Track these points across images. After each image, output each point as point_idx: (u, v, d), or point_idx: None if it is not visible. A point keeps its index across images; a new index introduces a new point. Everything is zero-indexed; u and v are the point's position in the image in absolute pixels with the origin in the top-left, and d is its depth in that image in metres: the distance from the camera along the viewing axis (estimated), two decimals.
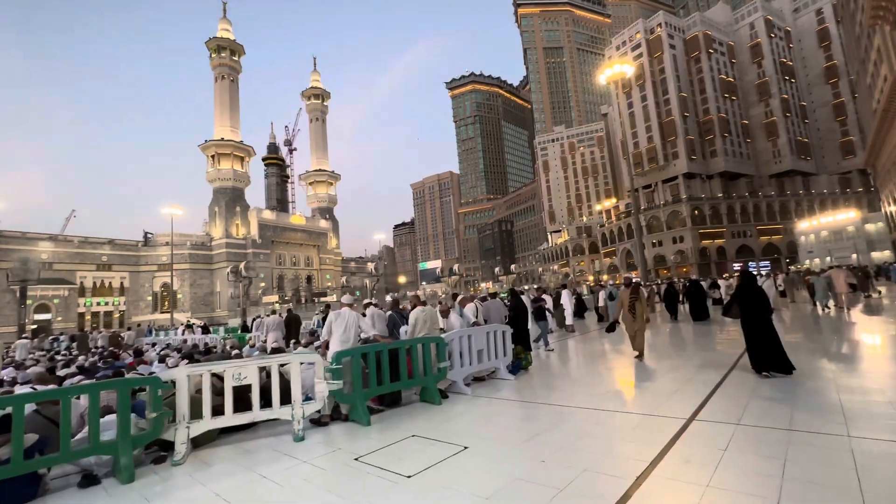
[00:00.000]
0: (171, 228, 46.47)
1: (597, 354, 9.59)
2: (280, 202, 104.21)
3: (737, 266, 62.35)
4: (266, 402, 4.86)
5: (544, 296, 12.59)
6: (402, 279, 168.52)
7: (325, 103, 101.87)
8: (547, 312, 10.74)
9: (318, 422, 5.28)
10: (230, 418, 4.68)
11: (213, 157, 76.18)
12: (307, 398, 5.12)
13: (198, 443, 4.74)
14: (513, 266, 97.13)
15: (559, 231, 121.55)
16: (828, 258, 51.08)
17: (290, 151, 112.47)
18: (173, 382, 4.53)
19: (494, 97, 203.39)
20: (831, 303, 14.74)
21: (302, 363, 5.06)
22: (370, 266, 76.03)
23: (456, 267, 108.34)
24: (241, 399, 4.89)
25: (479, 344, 6.95)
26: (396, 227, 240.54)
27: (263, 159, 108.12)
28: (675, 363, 7.64)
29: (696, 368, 6.85)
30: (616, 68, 28.70)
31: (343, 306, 5.90)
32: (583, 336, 12.86)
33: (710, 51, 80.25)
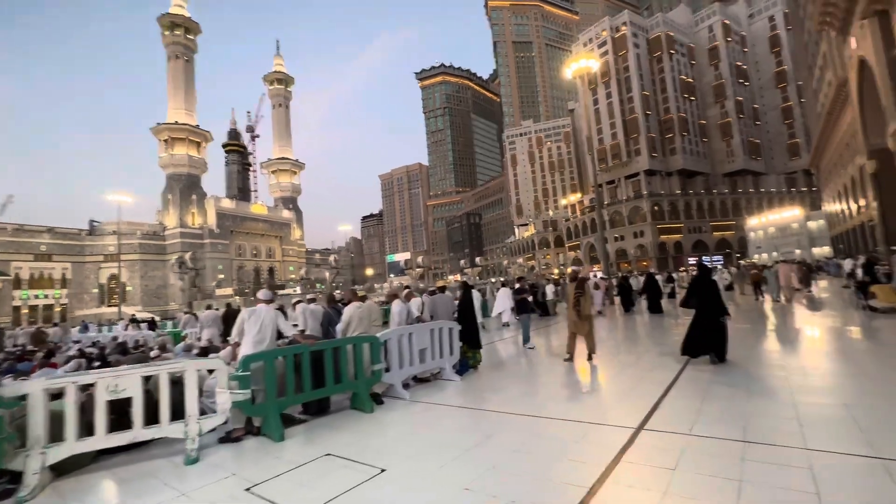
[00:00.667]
0: (118, 216, 43.45)
1: (552, 351, 9.21)
2: (242, 191, 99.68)
3: (692, 260, 64.92)
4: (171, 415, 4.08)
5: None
6: (369, 271, 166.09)
7: (288, 89, 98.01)
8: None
9: (228, 437, 4.53)
10: (102, 439, 3.86)
11: (166, 141, 71.67)
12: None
13: (65, 469, 3.90)
14: (478, 259, 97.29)
15: (526, 224, 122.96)
16: (774, 253, 53.91)
17: (253, 138, 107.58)
18: (29, 397, 3.67)
19: (464, 89, 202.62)
20: (782, 295, 15.18)
21: (201, 370, 4.29)
22: (332, 259, 73.96)
23: (420, 259, 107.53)
24: (128, 413, 4.09)
25: (421, 342, 6.35)
26: (364, 218, 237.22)
27: (224, 146, 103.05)
28: (629, 360, 7.34)
29: (650, 366, 6.54)
30: (582, 62, 28.77)
31: (259, 303, 5.12)
32: (538, 330, 12.54)
33: (672, 51, 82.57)
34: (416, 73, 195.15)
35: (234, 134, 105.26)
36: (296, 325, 6.98)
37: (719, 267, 33.85)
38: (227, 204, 77.53)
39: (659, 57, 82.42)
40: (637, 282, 19.20)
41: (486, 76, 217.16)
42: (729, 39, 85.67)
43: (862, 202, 28.42)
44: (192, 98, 75.43)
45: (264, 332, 4.86)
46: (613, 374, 6.44)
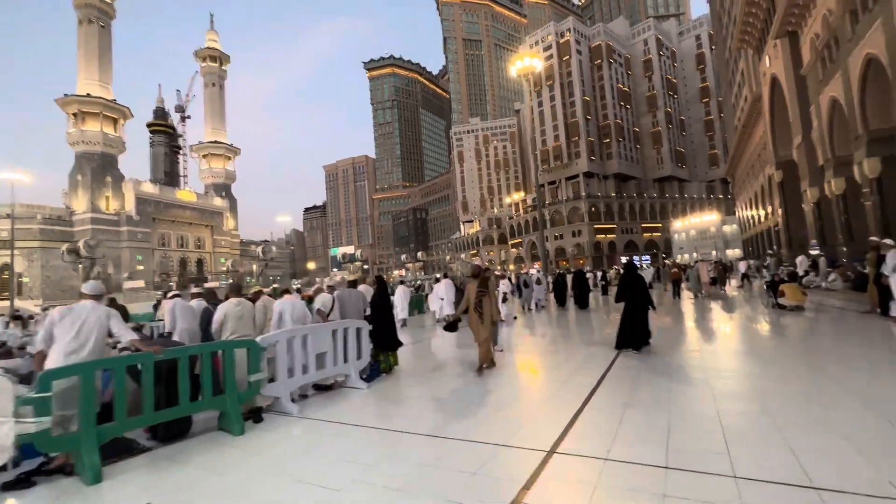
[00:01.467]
0: (12, 197, 37.71)
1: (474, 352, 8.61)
2: (169, 175, 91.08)
3: (623, 259, 68.63)
4: None
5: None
6: (311, 265, 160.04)
7: (223, 67, 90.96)
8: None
9: (17, 481, 3.33)
10: None
11: (75, 115, 63.50)
12: None
13: None
14: (419, 254, 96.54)
15: (471, 221, 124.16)
16: (694, 254, 58.32)
17: (183, 119, 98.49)
18: None
19: (413, 83, 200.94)
20: (703, 290, 16.00)
21: None
22: (259, 250, 69.09)
23: (359, 253, 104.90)
24: None
25: (320, 346, 5.41)
26: (307, 210, 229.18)
27: (149, 126, 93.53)
28: (556, 361, 6.90)
29: (575, 367, 6.09)
30: (527, 61, 29.15)
31: (83, 298, 3.92)
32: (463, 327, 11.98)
33: (611, 60, 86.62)
34: (364, 63, 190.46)
35: (160, 113, 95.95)
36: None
37: (646, 266, 35.88)
38: (149, 188, 70.47)
39: (599, 65, 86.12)
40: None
41: (435, 72, 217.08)
42: (661, 54, 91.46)
43: (769, 209, 31.15)
44: (107, 69, 67.52)
45: (84, 337, 3.67)
46: (537, 378, 5.92)
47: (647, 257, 75.66)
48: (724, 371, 5.53)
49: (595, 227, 76.38)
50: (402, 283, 14.98)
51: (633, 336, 6.82)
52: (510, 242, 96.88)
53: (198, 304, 6.20)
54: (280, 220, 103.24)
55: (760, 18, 22.24)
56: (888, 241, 8.16)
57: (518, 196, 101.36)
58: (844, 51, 13.54)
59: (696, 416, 3.87)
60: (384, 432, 4.12)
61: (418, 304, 19.04)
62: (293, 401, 5.06)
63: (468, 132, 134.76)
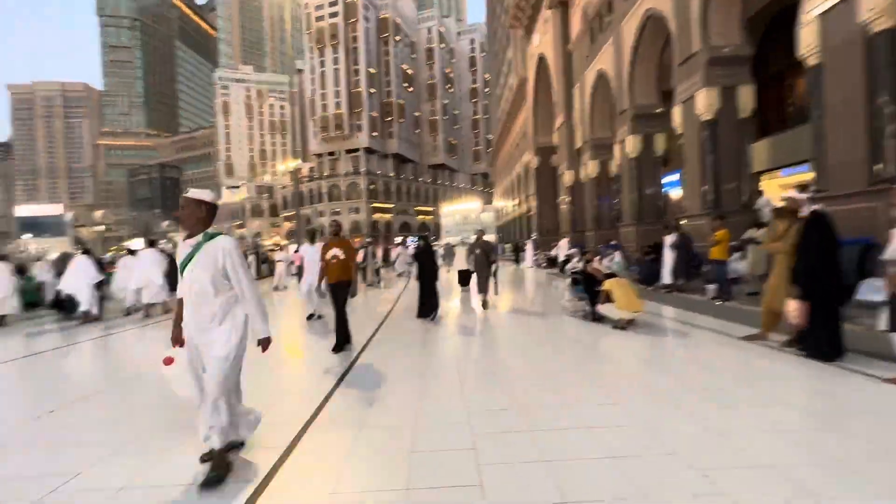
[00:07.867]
0: None
1: None
2: None
3: (398, 239, 68.81)
4: None
5: None
6: None
7: None
8: None
9: None
10: None
11: None
12: None
13: None
14: (98, 214, 75.41)
15: (237, 187, 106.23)
16: (458, 237, 62.81)
17: None
18: None
19: (169, 6, 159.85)
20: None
21: None
22: None
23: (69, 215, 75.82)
24: None
25: None
26: None
27: None
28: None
29: None
30: None
31: None
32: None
33: (397, 38, 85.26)
34: None
35: None
36: None
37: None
38: None
39: (386, 39, 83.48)
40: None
41: (201, 2, 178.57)
42: (442, 46, 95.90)
43: (524, 196, 33.59)
44: None
45: None
46: None
47: (417, 238, 78.55)
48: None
49: (373, 205, 74.46)
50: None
51: (431, 305, 7.47)
52: (282, 215, 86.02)
53: None
54: None
55: None
56: None
57: (294, 164, 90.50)
58: (619, 14, 12.65)
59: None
60: None
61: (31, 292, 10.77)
62: None
63: (238, 81, 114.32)
